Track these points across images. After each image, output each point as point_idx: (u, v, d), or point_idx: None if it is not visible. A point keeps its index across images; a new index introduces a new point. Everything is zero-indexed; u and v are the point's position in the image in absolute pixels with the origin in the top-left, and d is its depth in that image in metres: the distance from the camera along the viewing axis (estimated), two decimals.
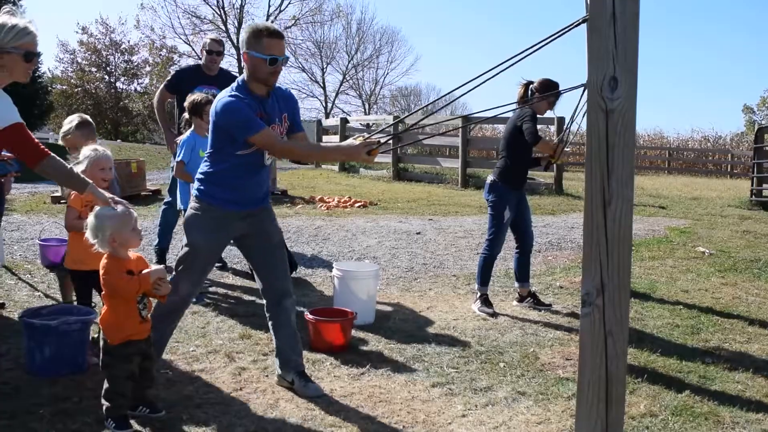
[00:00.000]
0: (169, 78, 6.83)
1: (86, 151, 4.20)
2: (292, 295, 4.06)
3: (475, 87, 2.80)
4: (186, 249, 3.89)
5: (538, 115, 5.62)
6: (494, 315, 5.47)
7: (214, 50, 6.63)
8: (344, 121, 19.70)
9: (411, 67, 45.72)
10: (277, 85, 3.93)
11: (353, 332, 4.80)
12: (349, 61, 43.39)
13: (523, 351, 4.65)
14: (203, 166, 3.92)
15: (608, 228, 2.28)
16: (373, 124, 23.13)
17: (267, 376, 4.08)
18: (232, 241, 4.10)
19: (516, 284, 5.90)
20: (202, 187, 3.86)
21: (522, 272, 5.81)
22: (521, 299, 5.83)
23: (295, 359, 3.97)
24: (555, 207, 12.03)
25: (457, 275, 6.84)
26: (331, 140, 19.74)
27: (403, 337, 4.88)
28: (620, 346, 2.33)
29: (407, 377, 4.13)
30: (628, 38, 2.24)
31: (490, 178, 5.69)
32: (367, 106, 44.90)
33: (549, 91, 5.46)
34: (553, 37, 2.60)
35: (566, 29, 2.52)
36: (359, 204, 11.65)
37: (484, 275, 5.66)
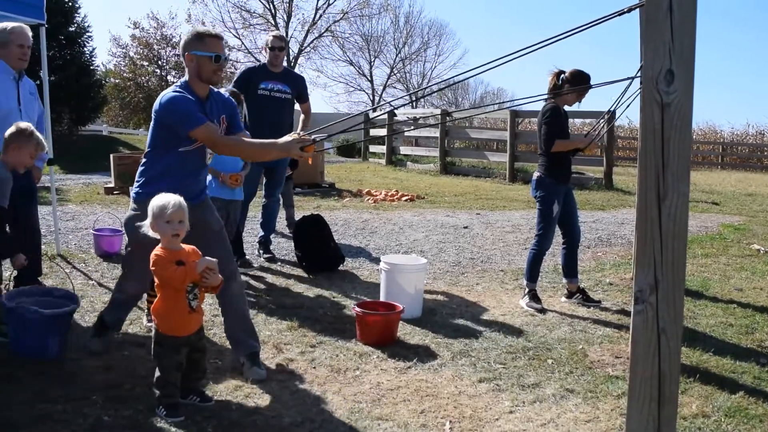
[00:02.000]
0: (236, 78, 6.90)
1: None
2: (238, 277, 4.11)
3: (499, 64, 2.75)
4: (129, 249, 4.08)
5: (566, 106, 5.55)
6: (542, 311, 5.42)
7: (277, 46, 6.73)
8: (391, 114, 19.69)
9: (459, 60, 45.33)
10: (217, 90, 4.13)
11: (400, 326, 4.80)
12: (396, 55, 43.37)
13: (571, 348, 4.60)
14: (141, 167, 4.00)
15: (663, 224, 2.23)
16: (420, 117, 23.09)
17: (314, 367, 4.11)
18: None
19: (564, 280, 5.83)
20: (140, 190, 3.94)
21: (570, 268, 5.74)
22: (570, 295, 5.77)
23: (246, 340, 4.00)
24: (605, 202, 11.86)
25: (504, 270, 6.79)
26: (379, 133, 19.78)
27: (450, 331, 4.87)
28: (674, 345, 2.29)
29: (454, 372, 4.13)
30: (686, 30, 2.20)
31: (536, 174, 5.64)
32: (414, 100, 44.81)
33: (581, 83, 5.36)
34: (600, 21, 2.56)
35: (614, 15, 2.48)
36: (406, 197, 11.66)
37: (533, 271, 5.61)
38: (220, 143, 3.89)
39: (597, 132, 5.78)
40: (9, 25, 4.85)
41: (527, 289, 5.60)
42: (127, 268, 4.17)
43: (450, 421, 3.45)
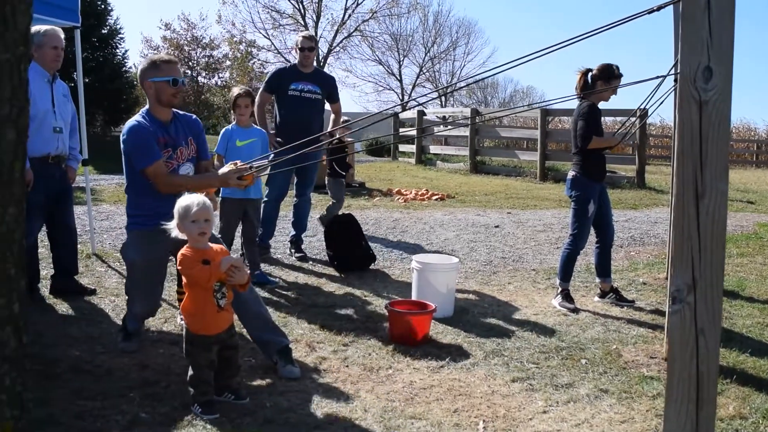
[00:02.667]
0: (267, 80, 6.96)
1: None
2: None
3: (526, 61, 2.75)
4: (128, 275, 4.27)
5: (602, 102, 5.52)
6: (575, 311, 5.39)
7: (307, 47, 6.78)
8: (421, 113, 19.69)
9: (488, 59, 45.11)
10: (183, 112, 4.32)
11: (432, 325, 4.81)
12: (425, 54, 43.28)
13: (605, 348, 4.57)
14: (127, 203, 4.22)
15: (701, 222, 2.21)
16: (450, 116, 23.04)
17: (347, 366, 4.13)
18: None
19: (597, 279, 5.79)
20: (128, 221, 4.22)
21: (603, 267, 5.70)
22: (603, 295, 5.73)
23: (272, 338, 4.01)
24: (637, 201, 11.74)
25: (536, 269, 6.76)
26: (408, 132, 19.77)
27: (483, 330, 4.87)
28: (712, 345, 2.27)
29: (487, 371, 4.12)
30: (724, 27, 2.17)
31: (571, 173, 5.59)
32: (443, 99, 44.70)
33: (610, 76, 5.34)
34: (632, 18, 2.55)
35: (647, 12, 2.47)
36: (437, 197, 11.65)
37: (567, 270, 5.57)
38: (164, 183, 4.01)
39: (627, 130, 5.71)
40: (42, 27, 4.94)
41: (560, 289, 5.57)
42: (132, 293, 4.24)
43: (483, 421, 3.44)
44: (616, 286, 5.84)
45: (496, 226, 8.83)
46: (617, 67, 5.37)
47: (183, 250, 3.40)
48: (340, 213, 7.15)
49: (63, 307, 5.06)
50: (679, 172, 2.24)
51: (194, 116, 4.44)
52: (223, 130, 5.98)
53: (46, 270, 5.56)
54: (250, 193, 5.63)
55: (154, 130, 4.04)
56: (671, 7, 4.81)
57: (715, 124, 2.18)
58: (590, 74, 5.44)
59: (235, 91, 5.90)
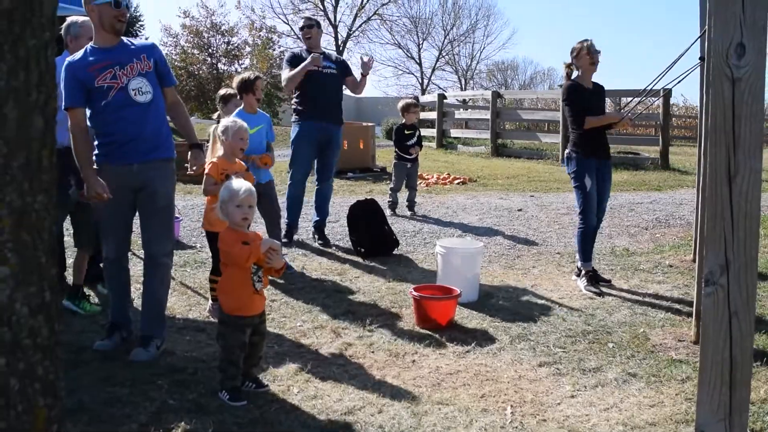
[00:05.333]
0: (287, 60, 6.91)
1: (226, 121, 4.63)
2: (161, 261, 4.09)
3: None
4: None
5: (592, 81, 5.60)
6: (600, 294, 5.35)
7: (306, 24, 6.90)
8: (441, 97, 19.58)
9: (508, 41, 44.94)
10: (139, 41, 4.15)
11: (457, 309, 4.79)
12: (445, 37, 43.02)
13: (632, 331, 4.53)
14: None
15: (734, 202, 2.17)
16: (470, 99, 22.91)
17: (373, 352, 4.13)
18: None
19: (577, 257, 5.74)
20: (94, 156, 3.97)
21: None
22: (579, 273, 5.66)
23: (144, 320, 4.08)
24: (661, 182, 11.61)
25: (561, 253, 6.71)
26: (428, 117, 19.68)
27: (508, 315, 4.84)
28: (746, 328, 2.23)
29: (513, 356, 4.10)
30: (758, 2, 2.12)
31: (566, 151, 5.66)
32: (463, 82, 44.47)
33: (581, 53, 5.52)
34: None
35: None
36: (458, 181, 11.60)
37: (585, 250, 5.57)
38: (75, 130, 3.85)
39: (631, 108, 5.72)
40: (79, 18, 4.94)
41: (583, 271, 5.53)
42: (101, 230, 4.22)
43: (511, 406, 3.43)
44: (642, 268, 5.79)
45: (519, 210, 8.78)
46: (587, 41, 5.52)
47: (223, 231, 3.48)
48: (363, 198, 7.12)
49: (90, 296, 5.10)
50: (711, 152, 2.20)
51: (153, 42, 4.26)
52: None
53: (72, 258, 5.60)
54: (261, 175, 5.56)
55: (90, 58, 3.84)
56: None
57: (749, 101, 2.14)
58: (572, 61, 5.62)
59: (247, 75, 5.80)
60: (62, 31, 4.79)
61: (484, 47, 44.58)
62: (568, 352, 4.17)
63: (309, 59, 6.56)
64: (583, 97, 5.52)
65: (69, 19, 5.00)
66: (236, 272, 3.39)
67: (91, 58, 3.84)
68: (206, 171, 4.55)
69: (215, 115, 6.08)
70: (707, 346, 2.27)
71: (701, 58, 5.09)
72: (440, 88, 40.94)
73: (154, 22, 55.05)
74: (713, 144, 2.20)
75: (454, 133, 19.57)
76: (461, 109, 20.45)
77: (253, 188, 3.52)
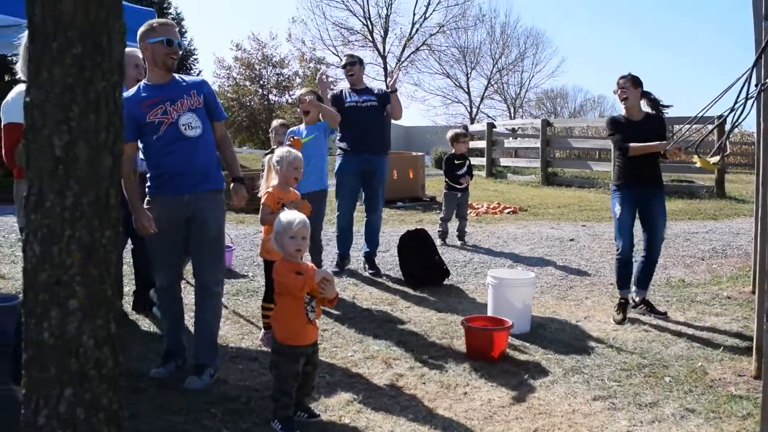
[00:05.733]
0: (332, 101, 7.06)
1: (281, 151, 4.72)
2: (212, 290, 4.14)
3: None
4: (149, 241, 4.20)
5: (632, 115, 5.59)
6: (621, 322, 5.34)
7: (348, 62, 6.98)
8: (491, 125, 19.56)
9: (557, 68, 44.53)
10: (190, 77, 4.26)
11: (509, 341, 4.74)
12: (493, 66, 42.87)
13: (689, 365, 4.42)
14: None
15: None
16: (519, 128, 22.84)
17: (424, 383, 4.11)
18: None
19: (633, 289, 5.68)
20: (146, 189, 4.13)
21: (641, 279, 5.65)
22: (635, 305, 5.65)
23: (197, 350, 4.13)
24: (717, 211, 11.36)
25: (614, 283, 6.57)
26: (478, 146, 19.66)
27: (561, 347, 4.78)
28: None
29: (567, 389, 4.04)
30: None
31: (611, 185, 5.74)
32: (512, 110, 44.30)
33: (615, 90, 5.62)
34: None
35: None
36: (509, 210, 11.53)
37: (618, 278, 5.61)
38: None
39: (680, 137, 5.65)
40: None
41: (620, 299, 5.58)
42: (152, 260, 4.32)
43: None
44: (698, 299, 5.68)
45: (571, 239, 8.68)
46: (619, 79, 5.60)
47: (277, 261, 3.53)
48: (413, 228, 7.13)
49: (145, 323, 5.20)
50: (765, 178, 2.16)
51: (203, 79, 4.40)
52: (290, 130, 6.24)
53: (128, 286, 5.72)
54: (311, 183, 5.73)
55: (143, 94, 4.00)
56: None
57: None
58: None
59: (301, 90, 6.20)
60: None
61: (533, 75, 44.31)
62: (624, 385, 4.09)
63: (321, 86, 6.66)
64: (621, 128, 5.54)
65: None
66: (290, 302, 3.43)
67: (143, 95, 4.00)
68: (263, 201, 4.66)
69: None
70: None
71: (758, 85, 5.00)
72: (489, 116, 40.87)
73: (207, 54, 56.61)
74: (766, 173, 2.15)
75: (504, 161, 19.49)
76: (511, 138, 20.37)
77: (307, 220, 3.56)
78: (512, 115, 43.25)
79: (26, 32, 3.42)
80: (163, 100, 3.98)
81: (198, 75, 23.61)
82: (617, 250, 5.54)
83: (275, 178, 4.74)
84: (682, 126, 5.67)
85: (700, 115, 4.78)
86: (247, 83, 35.15)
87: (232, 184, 4.32)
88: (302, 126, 6.12)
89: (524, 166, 18.55)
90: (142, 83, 4.09)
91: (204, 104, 4.10)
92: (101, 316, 1.47)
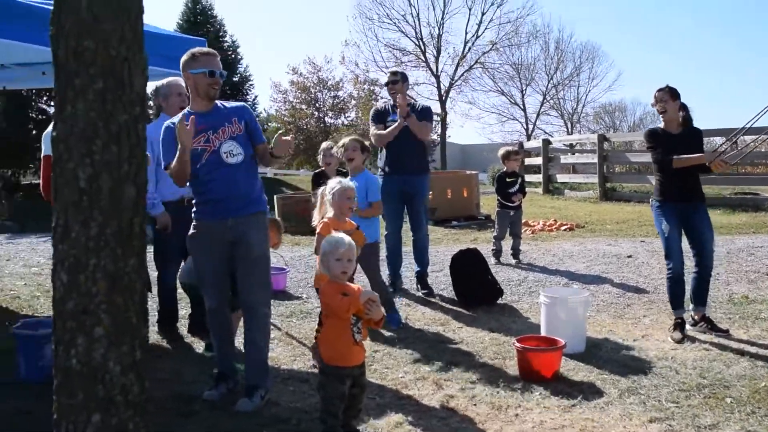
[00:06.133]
0: (371, 118, 7.11)
1: (332, 183, 4.75)
2: (259, 310, 4.15)
3: None
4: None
5: (678, 125, 5.47)
6: (681, 341, 5.19)
7: (390, 81, 6.98)
8: (546, 142, 19.36)
9: (614, 82, 43.74)
10: (233, 102, 4.30)
11: (563, 361, 4.64)
12: (548, 81, 42.46)
13: (752, 385, 4.24)
14: None
15: None
16: (577, 143, 22.54)
17: (475, 404, 4.05)
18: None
19: (690, 306, 5.53)
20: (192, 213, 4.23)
21: (698, 295, 5.47)
22: (695, 323, 5.48)
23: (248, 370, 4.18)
24: None
25: (691, 305, 6.39)
26: (534, 162, 19.45)
27: (617, 367, 4.65)
28: None
29: (622, 411, 3.92)
30: None
31: (651, 201, 5.64)
32: (569, 126, 43.74)
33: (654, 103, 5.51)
34: None
35: None
36: (565, 227, 11.35)
37: (671, 297, 5.47)
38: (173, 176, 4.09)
39: (724, 148, 5.47)
40: (163, 80, 5.27)
41: (674, 317, 5.45)
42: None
43: None
44: (763, 316, 5.47)
45: (629, 256, 8.47)
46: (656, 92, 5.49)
47: (324, 283, 3.55)
48: (465, 248, 7.06)
49: (200, 346, 5.26)
50: None
51: (244, 104, 4.42)
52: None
53: (185, 309, 5.81)
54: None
55: (172, 134, 4.03)
56: None
57: None
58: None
59: (345, 139, 6.11)
60: (152, 96, 5.09)
61: (589, 90, 43.69)
62: (682, 407, 3.95)
63: (397, 122, 6.67)
64: (662, 141, 5.42)
65: (156, 84, 5.33)
66: (336, 323, 3.43)
67: (172, 131, 4.05)
68: (318, 230, 4.70)
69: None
70: None
71: None
72: (546, 132, 40.45)
73: (264, 79, 57.75)
74: None
75: (561, 178, 19.22)
76: (568, 154, 20.09)
77: (354, 243, 3.57)
78: (569, 130, 42.70)
79: None
80: (205, 129, 4.04)
81: (254, 100, 24.08)
82: (668, 268, 5.43)
83: (329, 209, 4.76)
84: (733, 135, 5.54)
85: (748, 125, 4.66)
86: (303, 106, 35.68)
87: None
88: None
89: (581, 181, 18.25)
90: (186, 110, 4.16)
91: (245, 130, 4.15)
92: (126, 343, 1.49)
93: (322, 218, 4.79)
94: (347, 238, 3.56)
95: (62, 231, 1.50)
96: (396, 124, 6.70)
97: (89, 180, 1.47)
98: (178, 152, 3.92)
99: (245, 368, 4.16)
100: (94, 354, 1.42)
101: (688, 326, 5.48)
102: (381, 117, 6.90)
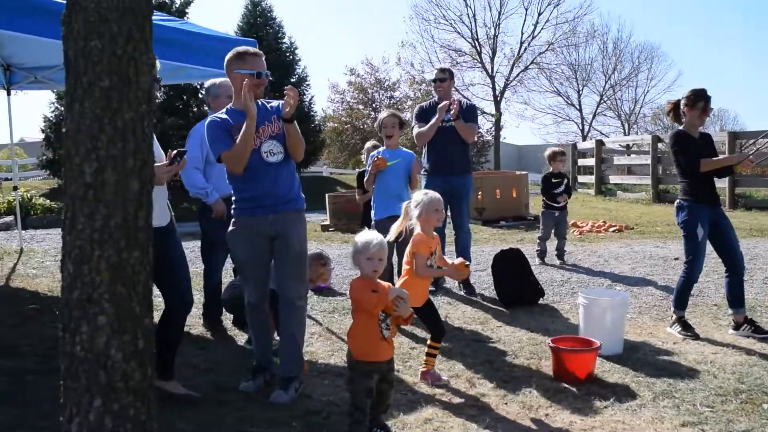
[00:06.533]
0: (415, 115, 7.11)
1: (419, 195, 4.47)
2: (296, 305, 4.17)
3: None
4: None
5: (698, 129, 5.40)
6: (696, 337, 5.21)
7: (438, 78, 7.01)
8: (599, 143, 19.06)
9: (673, 83, 42.62)
10: (275, 101, 4.25)
11: (599, 363, 4.57)
12: (606, 82, 41.73)
13: None
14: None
15: None
16: (633, 144, 22.09)
17: (506, 403, 4.02)
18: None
19: (730, 311, 5.45)
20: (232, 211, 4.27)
21: (736, 297, 5.34)
22: (737, 327, 5.35)
23: (284, 363, 4.19)
24: None
25: (718, 305, 6.23)
26: (587, 163, 19.15)
27: (653, 370, 4.55)
28: None
29: (654, 414, 3.84)
30: None
31: (677, 201, 5.49)
32: (626, 126, 42.89)
33: (698, 100, 5.29)
34: None
35: None
36: (614, 228, 11.16)
37: (681, 299, 5.43)
38: (232, 162, 4.03)
39: (751, 149, 5.37)
40: (217, 80, 5.35)
41: (675, 317, 5.41)
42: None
43: None
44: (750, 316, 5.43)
45: (676, 259, 8.28)
46: (704, 91, 5.33)
47: (355, 279, 3.56)
48: (507, 248, 7.01)
49: (242, 339, 5.35)
50: None
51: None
52: (372, 152, 6.15)
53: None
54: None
55: (230, 120, 4.05)
56: None
57: None
58: (682, 102, 5.42)
59: (383, 114, 6.16)
60: (204, 92, 5.16)
61: (647, 90, 42.81)
62: (717, 411, 3.85)
63: (436, 116, 6.67)
64: (693, 144, 5.33)
65: (208, 82, 5.43)
66: (365, 319, 3.45)
67: (230, 121, 4.08)
68: (414, 250, 4.35)
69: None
70: None
71: None
72: (602, 133, 39.77)
73: (322, 80, 58.16)
74: None
75: (614, 179, 18.89)
76: (623, 155, 19.71)
77: (384, 242, 3.57)
78: (626, 131, 41.88)
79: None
80: None
81: (310, 100, 24.27)
82: (688, 272, 5.36)
83: (416, 225, 4.40)
84: (753, 140, 5.46)
85: None
86: (360, 107, 35.79)
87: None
88: (382, 150, 6.09)
89: (635, 183, 17.91)
90: (229, 106, 4.18)
91: (283, 131, 4.14)
92: (129, 331, 1.53)
93: (403, 232, 4.47)
94: (378, 237, 3.56)
95: (69, 223, 1.56)
96: (433, 121, 6.69)
97: (95, 174, 1.51)
98: (244, 127, 3.91)
99: (281, 361, 4.21)
100: (97, 341, 1.47)
101: (730, 330, 5.37)
102: (425, 115, 6.90)
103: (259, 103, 4.16)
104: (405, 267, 4.44)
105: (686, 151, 5.33)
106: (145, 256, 1.58)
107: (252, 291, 4.28)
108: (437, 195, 4.46)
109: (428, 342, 4.52)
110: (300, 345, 4.22)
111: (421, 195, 4.44)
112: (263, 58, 4.19)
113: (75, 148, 1.54)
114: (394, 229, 4.49)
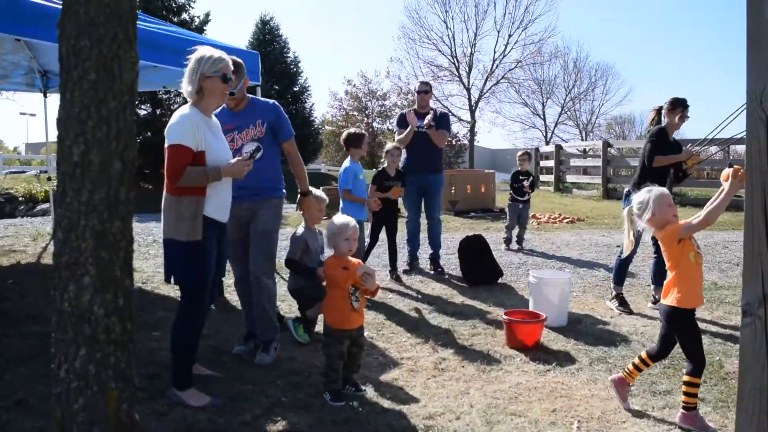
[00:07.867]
0: (396, 122, 7.09)
1: (641, 195, 3.48)
2: (261, 278, 4.04)
3: None
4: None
5: (673, 133, 5.38)
6: (630, 312, 5.28)
7: (422, 90, 6.99)
8: (558, 147, 19.09)
9: (624, 98, 42.80)
10: (265, 99, 4.12)
11: (545, 333, 4.58)
12: (566, 95, 41.83)
13: (708, 359, 4.10)
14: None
15: None
16: (590, 149, 22.15)
17: (463, 366, 4.02)
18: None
19: (652, 286, 5.53)
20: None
21: (658, 276, 5.29)
22: (655, 302, 5.37)
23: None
24: None
25: (651, 285, 6.25)
26: (548, 164, 19.18)
27: (591, 339, 4.57)
28: None
29: (589, 376, 3.86)
30: None
31: (626, 189, 5.51)
32: (584, 134, 43.00)
33: (677, 107, 5.27)
34: None
35: None
36: (567, 220, 11.18)
37: (619, 275, 5.48)
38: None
39: (698, 146, 5.41)
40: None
41: (614, 293, 5.49)
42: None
43: (579, 421, 3.22)
44: (727, 300, 5.35)
45: (618, 246, 8.30)
46: (684, 100, 5.31)
47: (328, 258, 3.54)
48: (471, 234, 7.01)
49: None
50: (747, 191, 2.00)
51: (272, 101, 4.17)
52: (344, 167, 5.99)
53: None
54: (361, 215, 5.82)
55: (223, 123, 3.69)
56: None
57: None
58: (664, 107, 5.40)
59: (353, 130, 6.19)
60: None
61: (602, 103, 42.99)
62: (643, 374, 3.85)
63: (410, 126, 6.69)
64: (666, 143, 5.29)
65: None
66: (337, 292, 3.44)
67: (223, 120, 3.90)
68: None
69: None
70: (745, 375, 2.02)
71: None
72: (563, 139, 39.81)
73: (323, 89, 58.22)
74: (750, 184, 1.99)
75: (571, 178, 18.94)
76: (580, 158, 19.77)
77: (357, 224, 3.58)
78: (584, 138, 41.98)
79: (192, 55, 3.34)
80: (232, 129, 3.99)
81: (310, 108, 24.16)
82: (622, 252, 5.26)
83: (648, 228, 3.47)
84: (700, 141, 5.50)
85: (710, 136, 4.67)
86: (355, 113, 35.67)
87: (299, 197, 4.33)
88: (347, 163, 6.06)
89: (588, 182, 17.96)
90: (223, 108, 4.03)
91: (268, 131, 4.04)
92: (110, 291, 1.52)
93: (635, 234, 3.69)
94: (352, 221, 3.54)
95: (60, 197, 1.55)
96: (408, 130, 6.70)
97: (82, 155, 1.50)
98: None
99: (258, 328, 4.12)
100: (83, 299, 1.46)
101: (649, 304, 5.47)
102: (405, 122, 6.87)
103: (251, 99, 4.07)
104: (669, 263, 3.39)
105: (656, 145, 5.27)
106: (126, 226, 1.57)
107: (237, 268, 4.25)
108: (661, 188, 3.44)
109: (690, 379, 3.30)
110: (272, 314, 4.10)
111: (643, 194, 3.39)
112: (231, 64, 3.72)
113: (65, 132, 1.53)
114: (626, 246, 3.85)
